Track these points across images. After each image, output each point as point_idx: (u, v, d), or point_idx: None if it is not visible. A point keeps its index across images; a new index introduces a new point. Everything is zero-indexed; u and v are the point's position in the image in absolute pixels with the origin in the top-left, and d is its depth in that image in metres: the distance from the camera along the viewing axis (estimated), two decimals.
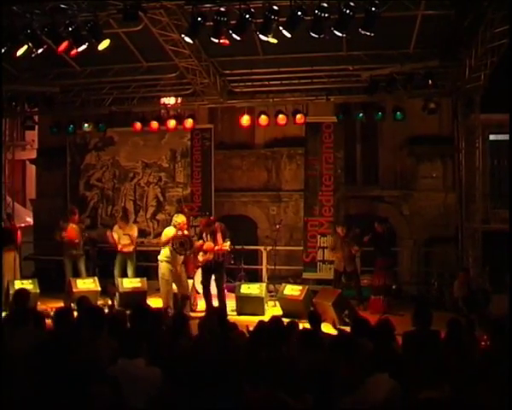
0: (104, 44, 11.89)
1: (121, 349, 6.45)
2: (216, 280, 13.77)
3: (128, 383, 5.93)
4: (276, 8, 10.75)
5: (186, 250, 13.58)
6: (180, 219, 13.62)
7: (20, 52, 12.08)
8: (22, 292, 9.82)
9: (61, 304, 14.20)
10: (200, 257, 13.67)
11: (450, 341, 7.64)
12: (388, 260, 14.77)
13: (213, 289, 13.87)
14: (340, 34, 10.97)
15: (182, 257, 13.76)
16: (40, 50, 11.90)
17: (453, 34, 13.65)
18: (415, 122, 16.74)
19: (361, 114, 15.78)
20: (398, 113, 15.40)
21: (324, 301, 13.33)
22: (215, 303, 13.62)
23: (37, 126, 19.36)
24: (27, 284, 14.67)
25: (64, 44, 11.84)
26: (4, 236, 15.25)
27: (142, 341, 6.57)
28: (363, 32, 10.73)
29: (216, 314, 9.37)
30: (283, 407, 4.98)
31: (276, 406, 4.95)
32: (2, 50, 11.89)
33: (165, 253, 13.55)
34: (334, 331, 9.61)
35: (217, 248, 13.42)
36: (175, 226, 13.49)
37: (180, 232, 13.40)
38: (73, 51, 12.15)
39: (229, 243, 13.60)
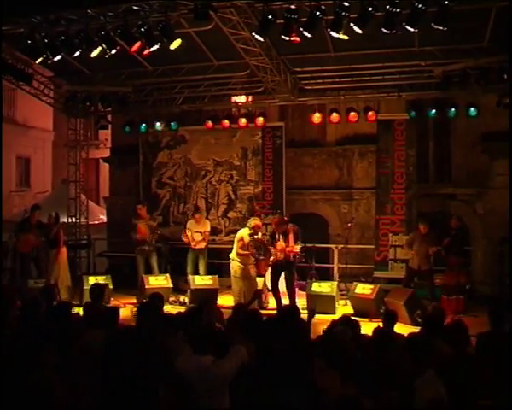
0: (176, 44, 12.02)
1: (192, 346, 6.52)
2: (286, 278, 13.77)
3: (197, 379, 6.08)
4: (346, 4, 10.69)
5: (260, 256, 13.75)
6: (254, 221, 13.85)
7: (94, 53, 12.36)
8: (98, 287, 10.07)
9: (134, 300, 14.51)
10: (272, 256, 13.73)
11: None
12: (461, 258, 14.44)
13: (281, 287, 13.90)
14: (411, 29, 10.84)
15: None
16: (113, 51, 12.15)
17: None
18: (488, 118, 16.32)
19: (433, 111, 15.55)
20: (472, 109, 15.13)
21: (396, 300, 13.19)
22: (285, 301, 13.63)
23: (110, 126, 19.72)
24: (101, 281, 14.98)
25: (137, 45, 12.03)
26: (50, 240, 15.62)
27: (211, 338, 6.62)
28: (435, 27, 10.58)
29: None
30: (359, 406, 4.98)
31: (352, 405, 4.96)
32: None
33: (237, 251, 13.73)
34: (406, 331, 9.51)
35: (288, 249, 13.43)
36: (249, 229, 13.72)
37: (256, 236, 13.60)
38: (146, 51, 12.32)
39: (300, 245, 13.57)
